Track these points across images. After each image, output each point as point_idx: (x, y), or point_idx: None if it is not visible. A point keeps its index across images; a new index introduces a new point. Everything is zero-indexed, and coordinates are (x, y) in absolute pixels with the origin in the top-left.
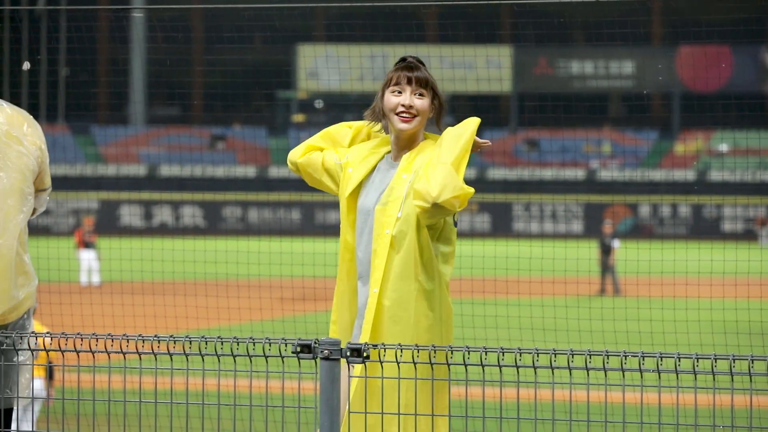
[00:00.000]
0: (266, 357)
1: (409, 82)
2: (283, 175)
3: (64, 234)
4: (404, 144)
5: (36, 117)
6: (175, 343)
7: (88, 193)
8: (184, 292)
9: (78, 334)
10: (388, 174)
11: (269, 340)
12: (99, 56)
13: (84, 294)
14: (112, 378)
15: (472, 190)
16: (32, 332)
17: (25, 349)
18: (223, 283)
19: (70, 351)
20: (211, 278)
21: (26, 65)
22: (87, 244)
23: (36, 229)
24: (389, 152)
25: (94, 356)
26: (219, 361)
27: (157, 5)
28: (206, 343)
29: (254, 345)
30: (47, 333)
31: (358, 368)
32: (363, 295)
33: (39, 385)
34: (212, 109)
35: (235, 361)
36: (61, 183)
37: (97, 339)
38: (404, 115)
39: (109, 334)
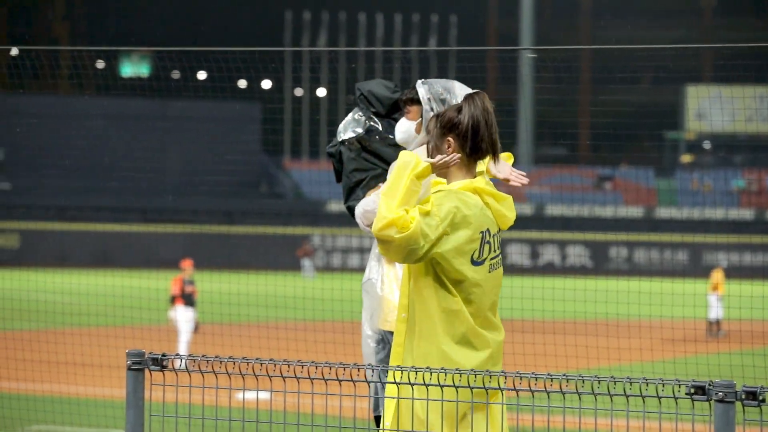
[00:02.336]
0: (659, 398)
1: None
2: (669, 215)
3: None
4: None
5: None
6: (584, 382)
7: None
8: (574, 331)
9: (501, 371)
10: None
11: (663, 380)
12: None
13: None
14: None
15: (395, 216)
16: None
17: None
18: (614, 323)
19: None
20: (601, 317)
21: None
22: None
23: None
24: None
25: (507, 392)
26: (611, 400)
27: (547, 46)
28: (614, 384)
29: (647, 386)
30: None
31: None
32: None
33: None
34: (599, 149)
35: (627, 401)
36: None
37: (506, 376)
38: None
39: (517, 372)
